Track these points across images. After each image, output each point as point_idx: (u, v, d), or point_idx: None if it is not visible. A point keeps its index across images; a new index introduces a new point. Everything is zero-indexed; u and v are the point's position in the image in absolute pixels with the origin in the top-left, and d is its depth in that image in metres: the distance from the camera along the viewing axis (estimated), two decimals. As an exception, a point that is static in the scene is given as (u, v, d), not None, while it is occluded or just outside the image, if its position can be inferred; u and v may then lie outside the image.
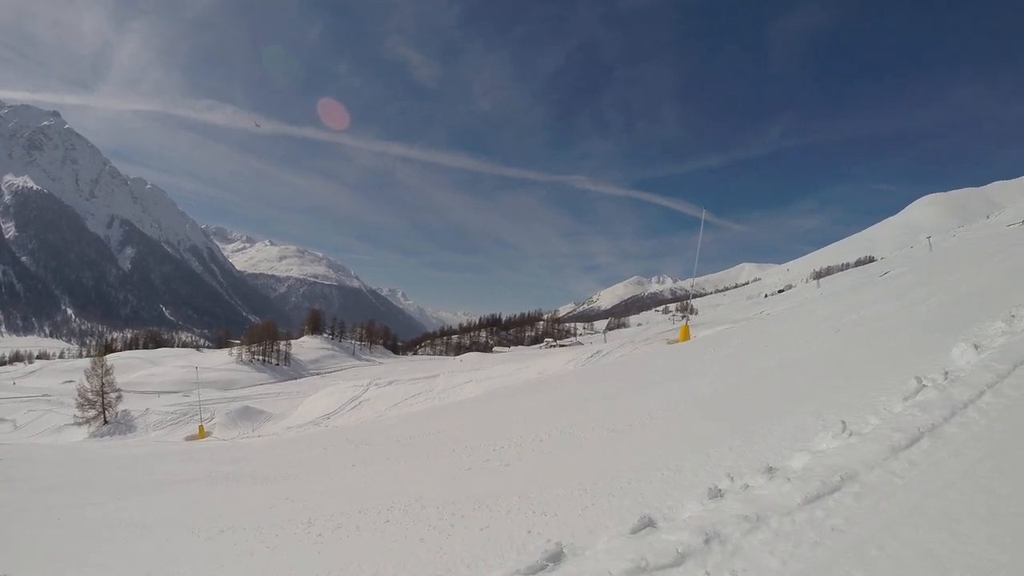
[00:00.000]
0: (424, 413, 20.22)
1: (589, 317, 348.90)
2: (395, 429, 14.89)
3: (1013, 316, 8.52)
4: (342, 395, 33.44)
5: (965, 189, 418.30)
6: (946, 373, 6.87)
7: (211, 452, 17.42)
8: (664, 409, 10.28)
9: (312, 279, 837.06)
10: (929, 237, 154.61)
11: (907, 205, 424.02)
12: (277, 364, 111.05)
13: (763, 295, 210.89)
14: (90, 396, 49.17)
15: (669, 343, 26.24)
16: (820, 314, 18.14)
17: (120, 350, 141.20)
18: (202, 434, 34.61)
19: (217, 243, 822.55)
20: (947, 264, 20.82)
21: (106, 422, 47.82)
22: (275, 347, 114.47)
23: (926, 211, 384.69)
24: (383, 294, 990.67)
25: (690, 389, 11.47)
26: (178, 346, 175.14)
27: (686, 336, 25.44)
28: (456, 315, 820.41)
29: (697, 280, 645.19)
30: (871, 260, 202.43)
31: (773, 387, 9.93)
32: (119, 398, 49.25)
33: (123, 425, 44.35)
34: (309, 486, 11.04)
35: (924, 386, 6.61)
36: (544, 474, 8.28)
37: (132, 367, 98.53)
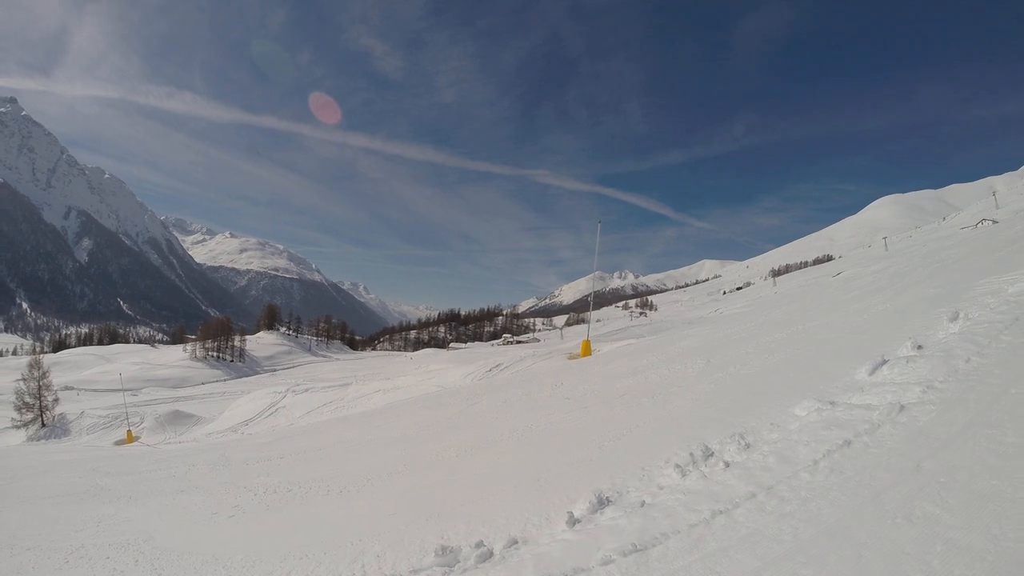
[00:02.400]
0: (322, 425, 20.28)
1: (551, 312, 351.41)
2: (274, 445, 15.33)
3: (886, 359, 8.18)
4: (261, 401, 33.50)
5: (923, 191, 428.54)
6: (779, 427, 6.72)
7: (107, 461, 17.94)
8: (463, 451, 9.97)
9: (273, 272, 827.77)
10: (885, 238, 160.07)
11: (867, 205, 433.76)
12: (231, 361, 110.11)
13: (722, 292, 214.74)
14: (27, 399, 48.38)
15: (570, 358, 25.92)
16: (755, 323, 18.68)
17: (74, 346, 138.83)
18: (130, 439, 34.84)
19: (176, 235, 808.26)
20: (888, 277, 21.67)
21: (43, 425, 47.23)
22: (229, 343, 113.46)
23: (884, 211, 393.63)
24: (345, 288, 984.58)
25: (530, 421, 11.05)
26: (135, 341, 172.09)
27: (587, 352, 25.13)
28: (418, 309, 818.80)
29: (659, 276, 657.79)
30: (830, 259, 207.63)
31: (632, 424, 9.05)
32: (56, 400, 48.66)
33: (59, 429, 44.26)
34: (114, 510, 10.77)
35: (748, 444, 6.33)
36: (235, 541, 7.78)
37: (85, 364, 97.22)
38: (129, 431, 36.16)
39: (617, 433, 8.53)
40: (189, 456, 16.60)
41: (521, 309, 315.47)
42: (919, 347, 8.31)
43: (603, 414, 10.07)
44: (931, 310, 10.82)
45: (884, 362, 7.95)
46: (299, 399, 31.12)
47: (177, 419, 37.27)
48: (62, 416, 46.35)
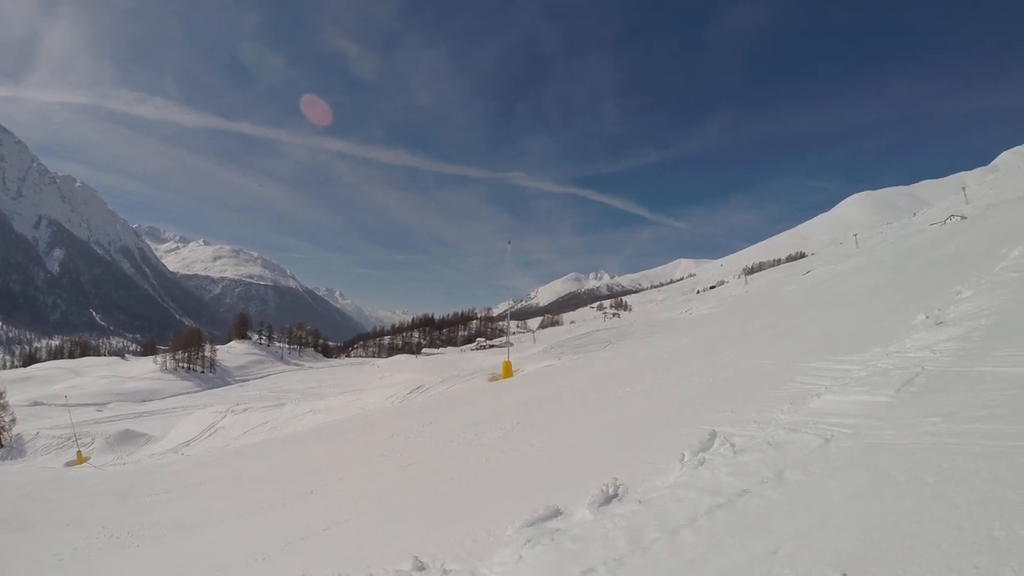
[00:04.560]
0: (246, 448, 20.49)
1: (527, 314, 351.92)
2: (186, 474, 16.00)
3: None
4: (202, 422, 33.99)
5: (895, 187, 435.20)
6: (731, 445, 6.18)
7: (42, 485, 18.38)
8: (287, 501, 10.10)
9: (247, 279, 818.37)
10: (856, 235, 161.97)
11: (840, 202, 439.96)
12: (202, 372, 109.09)
13: (695, 291, 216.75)
14: (-17, 420, 47.59)
15: (490, 380, 25.76)
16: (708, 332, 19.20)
17: (45, 360, 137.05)
18: (80, 460, 35.17)
19: (150, 243, 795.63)
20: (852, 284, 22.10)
21: (1, 446, 46.57)
22: (200, 354, 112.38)
23: (857, 208, 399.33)
24: (320, 294, 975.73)
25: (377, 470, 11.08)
26: (107, 354, 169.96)
27: (508, 373, 25.11)
28: (395, 314, 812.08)
29: (635, 276, 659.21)
30: (802, 256, 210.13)
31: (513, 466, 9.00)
32: (13, 421, 48.46)
33: (15, 449, 44.16)
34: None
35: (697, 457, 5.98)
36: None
37: (55, 378, 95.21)
38: (79, 452, 36.38)
39: (483, 487, 8.47)
40: (111, 482, 17.21)
41: (497, 312, 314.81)
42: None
43: (474, 461, 9.98)
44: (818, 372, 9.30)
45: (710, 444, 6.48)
46: (237, 419, 31.43)
47: (127, 439, 37.40)
48: (19, 437, 46.33)
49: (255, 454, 17.51)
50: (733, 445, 6.19)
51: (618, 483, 5.79)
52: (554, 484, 7.17)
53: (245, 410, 34.24)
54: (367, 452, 13.16)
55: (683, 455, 6.17)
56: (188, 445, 30.19)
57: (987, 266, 12.85)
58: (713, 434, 6.57)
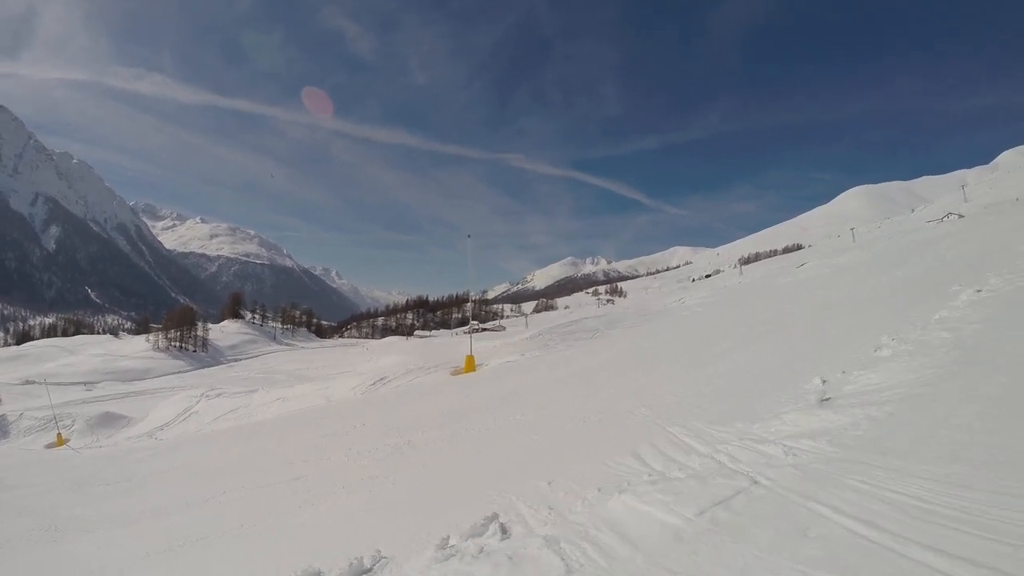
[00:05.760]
0: (208, 438, 20.49)
1: (523, 297, 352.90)
2: (143, 464, 16.13)
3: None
4: (178, 406, 34.36)
5: (894, 182, 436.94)
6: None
7: (10, 470, 18.70)
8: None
9: (244, 258, 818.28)
10: (853, 229, 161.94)
11: (840, 194, 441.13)
12: (194, 351, 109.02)
13: (691, 279, 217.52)
14: (-32, 400, 47.74)
15: (453, 374, 25.68)
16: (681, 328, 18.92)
17: (39, 338, 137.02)
18: (60, 442, 35.22)
19: (146, 220, 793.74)
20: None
21: None
22: (193, 333, 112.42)
23: (855, 202, 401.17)
24: (316, 273, 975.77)
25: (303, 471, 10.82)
26: (102, 331, 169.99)
27: (470, 367, 25.09)
28: (390, 294, 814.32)
29: (631, 262, 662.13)
30: (799, 247, 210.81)
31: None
32: (-1, 401, 48.70)
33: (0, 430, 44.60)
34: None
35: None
36: None
37: (48, 356, 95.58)
38: (59, 434, 36.56)
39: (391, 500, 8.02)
40: (78, 468, 17.43)
41: (494, 294, 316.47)
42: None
43: (355, 483, 9.26)
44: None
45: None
46: (211, 404, 31.36)
47: (107, 421, 37.45)
48: (3, 417, 46.53)
49: (210, 446, 17.51)
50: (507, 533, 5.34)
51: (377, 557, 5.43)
52: (386, 531, 6.38)
53: (219, 395, 34.19)
54: (290, 454, 13.14)
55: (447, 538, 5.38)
56: (163, 429, 30.18)
57: (935, 304, 10.57)
58: (493, 518, 5.62)
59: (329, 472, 10.32)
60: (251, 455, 14.23)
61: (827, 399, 6.88)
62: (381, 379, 27.07)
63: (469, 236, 30.01)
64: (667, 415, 8.68)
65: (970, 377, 6.27)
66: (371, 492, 8.41)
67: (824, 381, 7.66)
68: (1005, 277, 10.13)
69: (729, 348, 14.21)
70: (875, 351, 8.67)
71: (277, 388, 34.30)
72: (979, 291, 9.84)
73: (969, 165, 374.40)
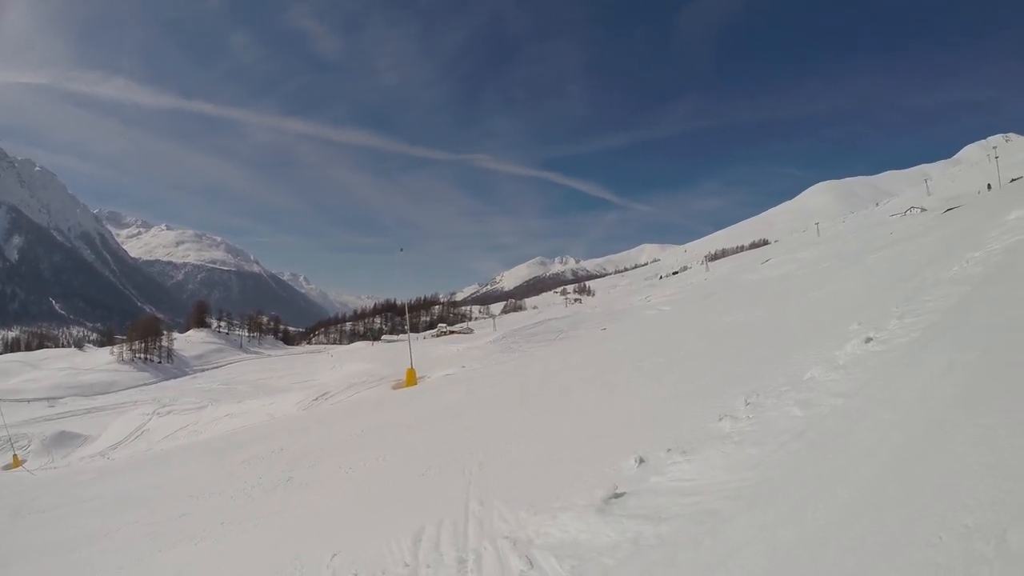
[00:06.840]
0: (152, 457, 21.27)
1: (492, 298, 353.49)
2: (88, 485, 16.17)
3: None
4: (130, 423, 34.27)
5: (858, 177, 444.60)
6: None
7: None
8: None
9: (210, 265, 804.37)
10: (817, 224, 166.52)
11: (805, 189, 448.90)
12: (159, 362, 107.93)
13: (658, 276, 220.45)
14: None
15: (394, 388, 25.89)
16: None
17: (1, 352, 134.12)
18: (15, 463, 35.24)
19: (111, 228, 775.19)
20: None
21: None
22: (158, 343, 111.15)
23: (820, 197, 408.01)
24: (284, 279, 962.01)
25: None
26: (67, 344, 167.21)
27: (411, 380, 25.45)
28: (360, 299, 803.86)
29: (599, 261, 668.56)
30: (765, 243, 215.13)
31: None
32: (-44, 420, 48.20)
33: (-44, 450, 44.32)
34: None
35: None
36: None
37: (10, 372, 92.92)
38: (15, 455, 36.55)
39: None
40: (21, 493, 17.42)
41: (463, 296, 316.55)
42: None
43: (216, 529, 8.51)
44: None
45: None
46: (162, 422, 31.24)
47: (63, 440, 36.95)
48: (-39, 436, 46.37)
49: (144, 469, 17.11)
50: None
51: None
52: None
53: (170, 412, 34.06)
54: (200, 484, 12.58)
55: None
56: (115, 448, 30.06)
57: (819, 352, 8.43)
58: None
59: (211, 511, 9.59)
60: (166, 483, 14.08)
61: (619, 495, 5.11)
62: (323, 395, 27.54)
63: (402, 250, 30.95)
64: (483, 481, 7.02)
65: (793, 491, 4.05)
66: (215, 542, 7.66)
67: (641, 461, 5.89)
68: (906, 320, 8.18)
69: (589, 391, 12.85)
70: (719, 420, 6.48)
71: (225, 404, 34.14)
72: (869, 340, 7.86)
73: (932, 159, 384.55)
